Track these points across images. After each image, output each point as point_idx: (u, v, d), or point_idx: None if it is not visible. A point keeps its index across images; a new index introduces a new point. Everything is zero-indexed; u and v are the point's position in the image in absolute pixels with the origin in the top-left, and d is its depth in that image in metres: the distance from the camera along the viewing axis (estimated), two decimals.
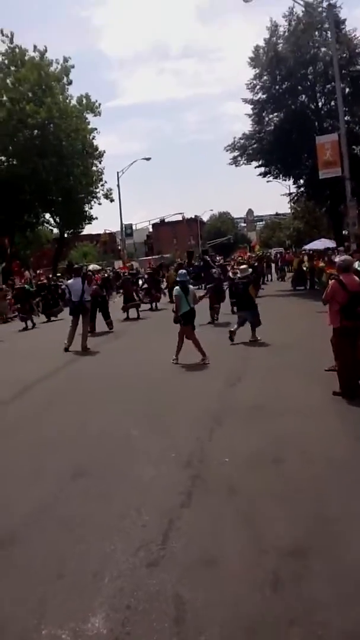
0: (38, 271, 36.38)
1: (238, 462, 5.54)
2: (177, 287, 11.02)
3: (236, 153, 32.19)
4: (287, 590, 3.43)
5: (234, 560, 3.80)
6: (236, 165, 32.32)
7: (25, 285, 22.38)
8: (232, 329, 13.01)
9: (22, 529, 4.50)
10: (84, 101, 43.13)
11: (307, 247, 33.62)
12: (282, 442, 6.02)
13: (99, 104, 43.59)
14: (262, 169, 33.03)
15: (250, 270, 14.35)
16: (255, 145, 31.71)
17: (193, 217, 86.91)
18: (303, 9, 28.60)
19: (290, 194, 42.56)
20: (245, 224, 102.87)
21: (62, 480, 5.46)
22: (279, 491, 4.78)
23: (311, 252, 27.16)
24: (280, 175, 34.06)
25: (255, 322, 12.95)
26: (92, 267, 29.33)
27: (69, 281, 14.83)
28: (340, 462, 5.32)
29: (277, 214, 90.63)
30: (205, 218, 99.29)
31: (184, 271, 11.72)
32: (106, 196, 45.56)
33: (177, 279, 11.28)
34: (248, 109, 31.74)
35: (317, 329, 13.27)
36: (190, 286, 11.02)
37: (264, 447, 5.89)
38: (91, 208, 45.08)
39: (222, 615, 3.23)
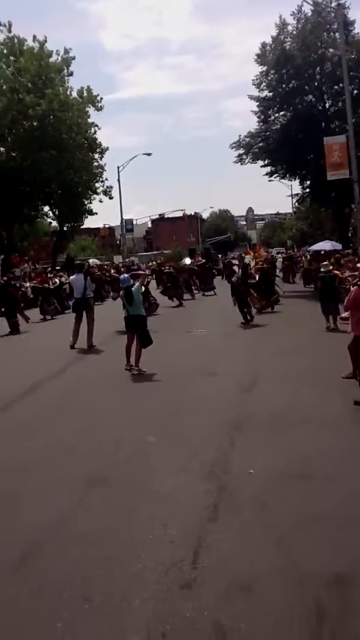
0: (37, 265, 36.13)
1: (263, 475, 5.32)
2: (121, 292, 10.67)
3: (241, 151, 32.04)
4: (333, 621, 3.21)
5: (272, 585, 3.58)
6: (242, 164, 32.17)
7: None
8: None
9: (41, 544, 4.27)
10: (85, 94, 42.60)
11: (313, 247, 33.33)
12: (307, 455, 5.79)
13: (101, 98, 43.10)
14: (268, 169, 32.85)
15: (330, 266, 15.82)
16: (261, 144, 31.52)
17: (193, 213, 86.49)
18: (312, 8, 28.43)
19: (296, 194, 42.32)
20: (245, 223, 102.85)
21: (79, 489, 5.23)
22: (310, 511, 4.54)
23: (323, 252, 26.87)
24: (287, 175, 33.88)
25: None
26: (92, 261, 29.20)
27: (71, 277, 14.63)
28: None
29: (278, 214, 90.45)
30: (205, 215, 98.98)
31: (125, 276, 11.09)
32: (105, 193, 45.11)
33: (121, 284, 10.71)
34: (251, 106, 31.63)
35: (329, 335, 13.13)
36: (134, 289, 10.37)
37: (289, 460, 5.68)
38: (90, 202, 44.64)
39: None
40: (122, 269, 22.34)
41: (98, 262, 33.07)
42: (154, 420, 7.34)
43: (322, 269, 15.67)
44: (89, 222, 50.70)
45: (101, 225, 64.16)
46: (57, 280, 24.62)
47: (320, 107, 30.92)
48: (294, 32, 30.08)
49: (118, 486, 5.29)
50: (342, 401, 7.64)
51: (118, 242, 70.69)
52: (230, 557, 3.93)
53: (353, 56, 28.22)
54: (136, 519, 4.59)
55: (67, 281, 20.30)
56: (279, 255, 42.84)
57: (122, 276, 11.25)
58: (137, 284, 10.69)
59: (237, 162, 32.27)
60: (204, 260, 31.04)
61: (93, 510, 4.80)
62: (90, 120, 43.02)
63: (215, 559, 3.92)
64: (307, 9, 28.84)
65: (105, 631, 3.24)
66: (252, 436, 6.52)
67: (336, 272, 15.77)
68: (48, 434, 7.05)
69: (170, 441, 6.50)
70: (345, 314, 9.90)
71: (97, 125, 43.63)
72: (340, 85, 28.15)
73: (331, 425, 6.73)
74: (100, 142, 44.04)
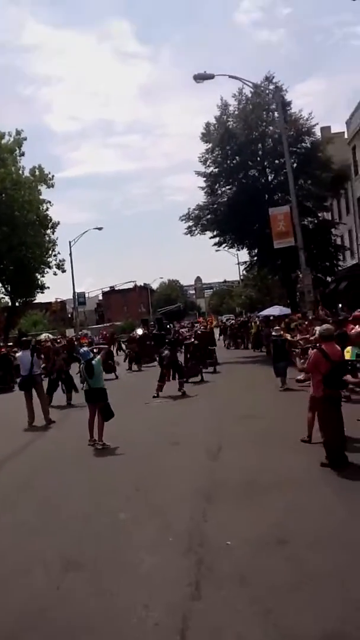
0: None
1: (241, 545, 5.22)
2: (82, 365, 10.61)
3: (191, 223, 32.98)
4: None
5: None
6: (191, 235, 33.07)
7: None
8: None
9: (21, 636, 4.00)
10: (37, 172, 43.63)
11: (263, 313, 34.16)
12: (281, 520, 5.74)
13: (52, 176, 44.21)
14: (216, 239, 33.88)
15: (280, 330, 16.93)
16: (209, 216, 32.63)
17: (143, 285, 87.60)
18: (251, 90, 30.39)
19: (243, 262, 43.63)
20: (194, 292, 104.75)
21: (53, 574, 4.99)
22: (294, 577, 4.47)
23: (272, 317, 27.62)
24: (235, 245, 35.00)
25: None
26: (43, 336, 28.88)
27: (18, 354, 14.39)
28: (348, 542, 5.08)
29: (225, 282, 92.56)
30: (155, 286, 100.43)
31: (86, 349, 11.14)
32: (58, 266, 45.48)
33: (81, 358, 10.61)
34: (193, 181, 33.09)
35: (282, 397, 13.30)
36: (95, 362, 10.29)
37: (264, 527, 5.60)
38: (43, 276, 44.79)
39: None
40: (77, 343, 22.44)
41: (51, 336, 32.71)
42: (122, 494, 7.15)
43: (273, 333, 16.47)
44: (41, 297, 50.44)
45: (53, 300, 63.99)
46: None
47: (263, 180, 32.45)
48: (236, 112, 31.95)
49: (93, 568, 5.06)
50: (309, 463, 7.67)
51: (70, 315, 70.53)
52: (220, 635, 3.80)
53: (292, 133, 30.09)
54: (117, 602, 4.39)
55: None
56: (228, 322, 43.48)
57: (82, 349, 11.17)
58: (97, 357, 10.62)
59: (187, 234, 33.20)
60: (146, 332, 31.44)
61: (71, 597, 4.54)
62: (41, 197, 43.83)
63: (204, 638, 3.76)
64: (247, 91, 30.76)
65: None
66: (224, 505, 6.42)
67: (286, 335, 16.26)
68: (14, 515, 6.74)
69: (141, 516, 6.33)
70: (300, 376, 10.11)
71: (49, 202, 44.46)
72: (281, 159, 29.79)
73: (302, 487, 6.74)
74: (51, 217, 44.74)
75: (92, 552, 5.43)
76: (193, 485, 7.21)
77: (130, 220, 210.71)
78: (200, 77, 24.76)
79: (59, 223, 45.28)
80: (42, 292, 46.47)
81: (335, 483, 6.81)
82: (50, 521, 6.39)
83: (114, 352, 32.59)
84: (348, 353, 10.82)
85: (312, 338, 11.90)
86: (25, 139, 42.56)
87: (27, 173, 43.19)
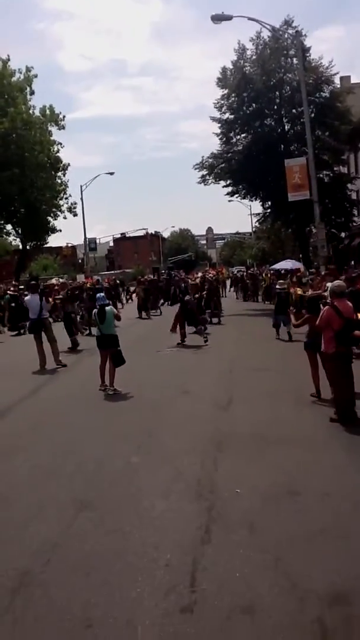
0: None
1: (251, 494, 5.33)
2: (95, 310, 10.67)
3: (204, 172, 32.42)
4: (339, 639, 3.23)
5: (274, 606, 3.57)
6: (205, 184, 32.61)
7: None
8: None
9: (35, 570, 4.16)
10: (48, 113, 42.59)
11: (275, 266, 33.92)
12: (290, 473, 5.84)
13: (63, 116, 43.11)
14: (229, 189, 33.36)
15: (285, 284, 17.49)
16: (223, 165, 32.06)
17: (154, 233, 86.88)
18: (270, 34, 29.26)
19: (256, 214, 43.02)
20: (205, 242, 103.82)
21: (66, 514, 5.13)
22: (303, 529, 4.58)
23: (283, 271, 27.45)
24: (248, 196, 34.46)
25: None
26: (54, 280, 28.98)
27: (26, 297, 14.41)
28: (356, 497, 5.18)
29: (237, 233, 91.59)
30: (166, 235, 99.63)
31: (101, 294, 11.24)
32: (70, 210, 45.06)
33: (97, 302, 10.74)
34: (207, 128, 32.34)
35: (292, 350, 13.33)
36: (108, 308, 10.50)
37: (273, 478, 5.70)
38: (55, 219, 44.43)
39: None
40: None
41: (62, 280, 32.79)
42: (134, 440, 7.27)
43: (277, 286, 17.34)
44: (51, 242, 50.18)
45: (63, 244, 63.57)
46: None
47: (279, 130, 31.67)
48: (253, 57, 30.88)
49: (106, 510, 5.20)
50: (317, 418, 7.79)
51: (80, 261, 70.29)
52: (228, 579, 3.91)
53: (311, 81, 29.10)
54: (129, 543, 4.53)
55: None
56: (239, 273, 43.25)
57: (98, 294, 11.20)
58: (111, 306, 10.68)
59: (201, 183, 32.71)
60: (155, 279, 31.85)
61: (83, 536, 4.70)
62: (52, 139, 42.97)
63: (213, 581, 3.90)
64: (266, 34, 29.64)
65: None
66: (234, 455, 6.53)
67: (297, 289, 16.31)
68: (26, 457, 6.88)
69: (153, 461, 6.45)
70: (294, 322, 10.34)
71: (60, 143, 43.60)
72: (299, 109, 28.96)
73: (311, 442, 6.83)
74: (62, 160, 44.00)
75: (104, 494, 5.57)
76: (204, 434, 7.32)
77: (143, 166, 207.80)
78: (218, 18, 23.87)
79: (69, 165, 44.58)
80: (54, 234, 46.18)
81: (344, 439, 6.89)
82: (63, 464, 6.53)
83: (123, 299, 32.98)
84: None
85: (324, 293, 11.85)
86: (35, 76, 41.40)
87: (37, 113, 42.17)
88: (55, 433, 7.89)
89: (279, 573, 3.94)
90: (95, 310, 10.61)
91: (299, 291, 16.51)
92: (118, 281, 35.71)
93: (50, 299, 16.79)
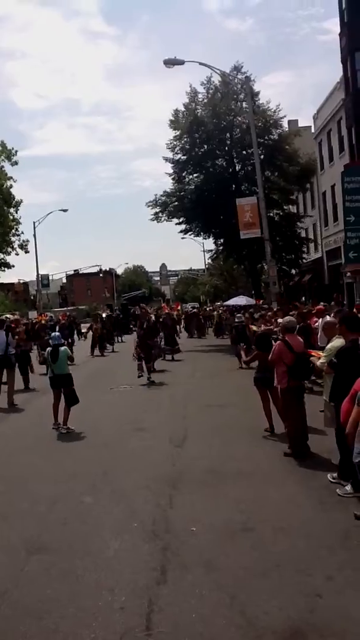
0: None
1: (206, 531, 5.30)
2: (48, 349, 10.52)
3: (157, 209, 32.85)
4: None
5: None
6: (158, 222, 32.97)
7: None
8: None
9: None
10: (0, 148, 42.44)
11: (229, 302, 34.46)
12: (245, 509, 5.84)
13: (15, 151, 42.95)
14: (183, 226, 33.85)
15: (242, 317, 19.13)
16: (176, 203, 32.57)
17: (108, 269, 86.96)
18: (220, 79, 30.35)
19: (209, 250, 43.68)
20: (159, 278, 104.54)
21: (17, 557, 4.97)
22: (258, 565, 4.56)
23: (234, 307, 28.01)
24: (201, 233, 35.03)
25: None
26: (8, 316, 28.51)
27: None
28: (312, 530, 5.22)
29: (191, 270, 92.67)
30: (120, 271, 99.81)
31: (56, 333, 11.24)
32: (22, 246, 44.65)
33: (51, 341, 10.61)
34: (161, 167, 33.21)
35: (246, 386, 13.43)
36: (62, 348, 10.40)
37: (229, 514, 5.70)
38: (9, 254, 43.91)
39: None
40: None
41: (12, 317, 32.24)
42: (87, 479, 7.15)
43: (236, 320, 18.98)
44: (3, 278, 49.64)
45: (15, 281, 62.97)
46: None
47: (231, 170, 32.54)
48: (205, 101, 31.86)
49: (59, 552, 5.06)
50: (272, 453, 7.84)
51: (32, 297, 69.56)
52: (185, 620, 3.85)
53: (260, 124, 30.18)
54: (82, 586, 4.41)
55: None
56: (193, 310, 43.66)
57: (53, 334, 11.09)
58: (65, 346, 10.60)
59: (154, 220, 33.08)
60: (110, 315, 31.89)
61: (36, 580, 4.55)
62: (5, 173, 42.74)
63: (170, 622, 3.83)
64: (216, 79, 30.69)
65: None
66: (189, 492, 6.48)
67: (252, 326, 16.63)
68: None
69: (107, 500, 6.35)
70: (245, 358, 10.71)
71: (11, 177, 43.35)
72: (249, 150, 29.91)
73: (266, 477, 6.86)
74: (14, 195, 43.76)
75: (57, 535, 5.43)
76: (158, 471, 7.26)
77: (96, 203, 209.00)
78: (171, 62, 24.55)
79: (22, 201, 44.36)
80: (4, 271, 45.56)
81: (298, 473, 6.96)
82: (14, 505, 6.35)
83: (75, 336, 32.57)
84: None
85: (275, 329, 12.06)
86: None
87: None
88: (7, 472, 7.68)
89: (235, 612, 3.91)
90: (48, 349, 10.47)
91: (254, 328, 16.79)
92: (72, 318, 35.38)
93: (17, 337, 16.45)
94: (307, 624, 3.71)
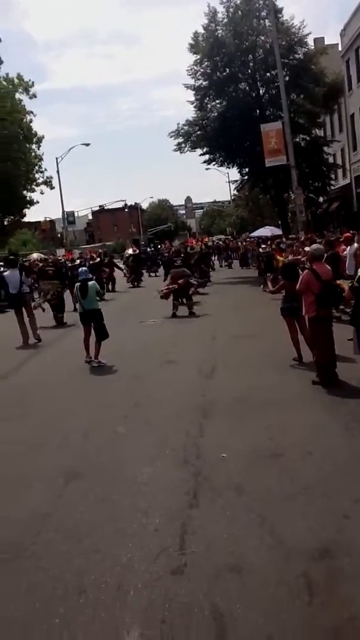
0: None
1: (236, 457, 5.43)
2: (77, 285, 10.55)
3: (180, 139, 32.06)
4: (325, 593, 3.34)
5: (261, 564, 3.67)
6: (181, 152, 32.33)
7: None
8: None
9: (26, 540, 4.21)
10: (16, 80, 41.43)
11: (255, 234, 33.98)
12: (274, 435, 5.95)
13: (32, 82, 41.91)
14: (206, 157, 33.04)
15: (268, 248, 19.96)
16: (199, 132, 31.70)
17: (133, 204, 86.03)
18: None
19: (235, 181, 42.80)
20: (184, 212, 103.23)
21: (55, 485, 5.19)
22: (287, 488, 4.69)
23: (259, 239, 27.69)
24: (225, 163, 34.16)
25: None
26: (35, 255, 28.67)
27: (5, 273, 14.30)
28: (339, 455, 5.30)
29: (215, 202, 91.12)
30: (144, 206, 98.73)
31: (84, 268, 11.22)
32: (46, 183, 44.38)
33: (79, 276, 10.68)
34: (183, 95, 31.98)
35: (274, 317, 13.41)
36: (91, 283, 10.34)
37: (257, 441, 5.81)
38: (33, 191, 43.76)
39: (266, 627, 3.10)
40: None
41: (43, 256, 32.41)
42: (119, 411, 7.34)
43: (260, 250, 20.05)
44: (29, 216, 49.62)
45: (42, 219, 62.77)
46: None
47: (254, 94, 31.31)
48: (225, 20, 30.30)
49: (94, 479, 5.26)
50: (301, 381, 7.89)
51: (59, 235, 69.57)
52: (216, 540, 4.01)
53: (284, 43, 28.68)
54: (118, 510, 4.61)
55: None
56: (220, 242, 43.31)
57: (80, 269, 11.14)
58: (93, 280, 10.62)
59: (177, 151, 32.39)
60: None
61: (73, 505, 4.76)
62: (24, 109, 42.01)
63: (202, 543, 3.99)
64: None
65: (104, 623, 3.25)
66: (218, 421, 6.63)
67: (278, 256, 16.42)
68: (12, 431, 6.93)
69: (138, 430, 6.53)
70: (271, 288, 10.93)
71: (31, 112, 42.62)
72: (273, 72, 28.58)
73: (294, 405, 6.96)
74: (36, 131, 43.12)
75: (92, 464, 5.63)
76: (189, 402, 7.41)
77: (118, 136, 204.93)
78: None
79: (43, 137, 43.73)
80: (29, 208, 45.54)
81: (327, 401, 7.02)
82: (49, 437, 6.58)
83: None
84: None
85: (303, 259, 11.89)
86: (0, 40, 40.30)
87: (5, 83, 41.01)
88: (41, 406, 7.93)
89: (264, 532, 4.05)
90: (77, 285, 10.52)
91: (281, 258, 16.57)
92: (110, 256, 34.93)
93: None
94: (335, 543, 3.83)
